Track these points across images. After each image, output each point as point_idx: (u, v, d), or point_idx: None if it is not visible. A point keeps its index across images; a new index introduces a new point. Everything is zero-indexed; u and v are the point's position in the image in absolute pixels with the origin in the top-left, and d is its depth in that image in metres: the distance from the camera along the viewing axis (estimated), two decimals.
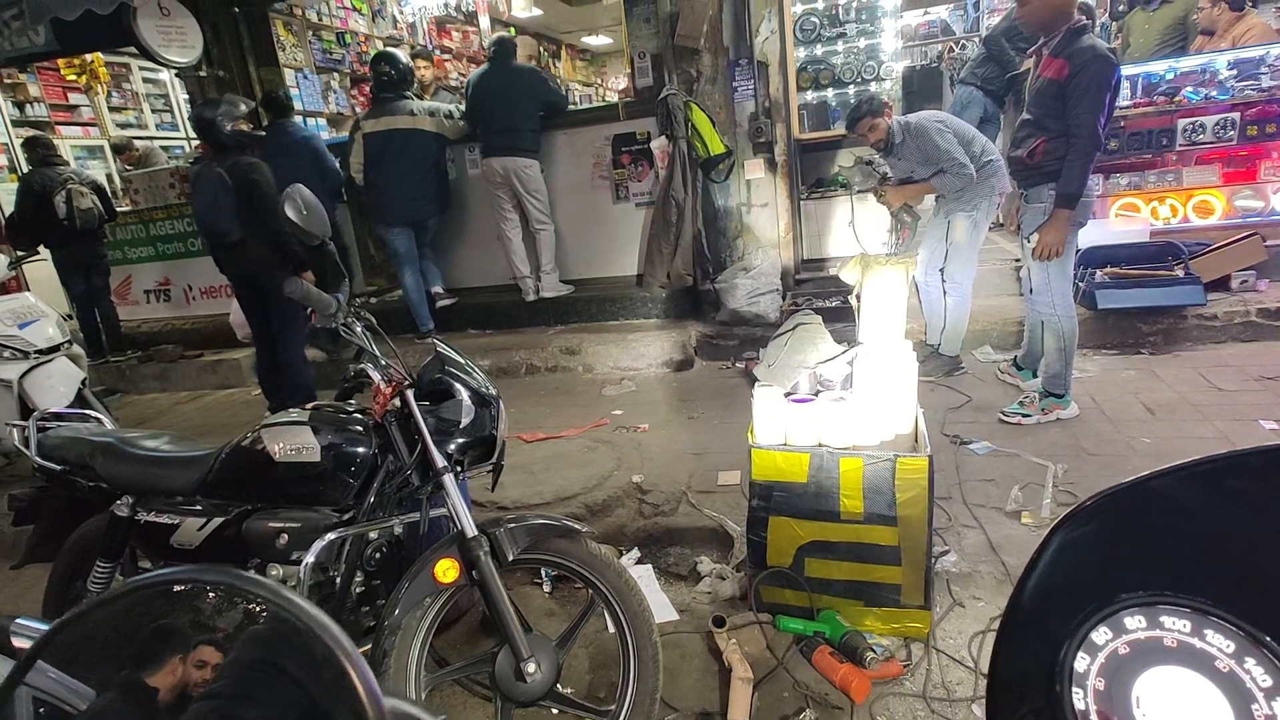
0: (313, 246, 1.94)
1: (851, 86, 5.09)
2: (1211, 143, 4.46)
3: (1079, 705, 0.47)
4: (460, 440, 1.90)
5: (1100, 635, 0.49)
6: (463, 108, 5.28)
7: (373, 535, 1.88)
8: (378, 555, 1.92)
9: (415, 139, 4.98)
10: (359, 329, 1.93)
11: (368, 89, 7.10)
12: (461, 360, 1.98)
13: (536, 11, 9.25)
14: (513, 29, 10.03)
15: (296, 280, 1.83)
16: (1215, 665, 0.46)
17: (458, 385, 1.91)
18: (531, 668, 1.71)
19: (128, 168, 7.32)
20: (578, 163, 5.38)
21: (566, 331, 5.35)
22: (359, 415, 1.95)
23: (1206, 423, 3.11)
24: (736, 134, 4.97)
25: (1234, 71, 4.42)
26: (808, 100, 5.17)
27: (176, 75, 7.76)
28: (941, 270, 3.84)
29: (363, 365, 1.90)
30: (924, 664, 2.08)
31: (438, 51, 8.94)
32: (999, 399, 3.58)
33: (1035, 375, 3.58)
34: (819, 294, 4.89)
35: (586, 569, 1.85)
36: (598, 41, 12.86)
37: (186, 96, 7.00)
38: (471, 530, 1.76)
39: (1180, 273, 4.07)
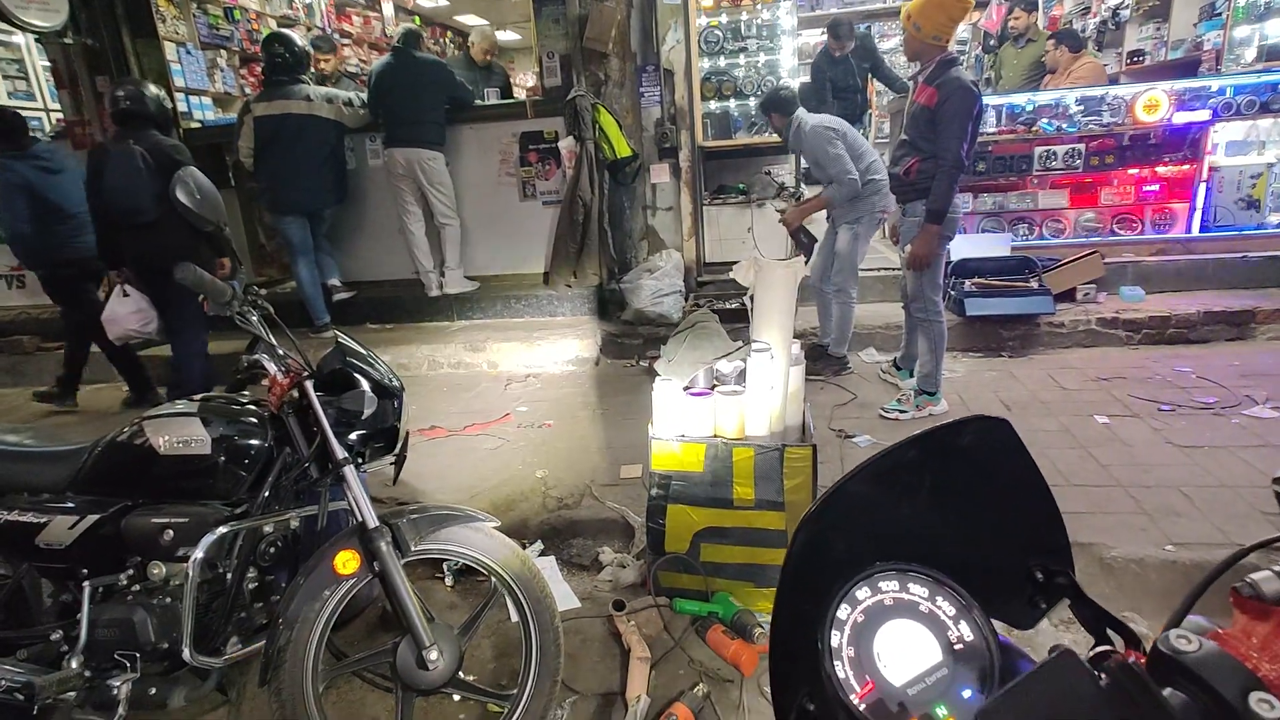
0: (204, 232, 1.88)
1: (752, 98, 5.33)
2: (1062, 169, 4.99)
3: (840, 675, 0.58)
4: (361, 431, 1.89)
5: (843, 611, 0.60)
6: (363, 95, 5.13)
7: (267, 529, 1.84)
8: (272, 550, 1.88)
9: (311, 125, 4.79)
10: (255, 318, 1.87)
11: (259, 70, 6.73)
12: (364, 351, 1.97)
13: (443, 1, 9.06)
14: (417, 18, 9.78)
15: (188, 265, 1.77)
16: (919, 609, 0.60)
17: (359, 376, 1.89)
18: (434, 655, 1.73)
19: None
20: (485, 158, 5.35)
21: (471, 328, 5.30)
22: (253, 407, 1.90)
23: (1052, 417, 3.50)
24: (643, 138, 5.10)
25: (1081, 107, 4.97)
26: (711, 110, 5.37)
27: (36, 41, 7.05)
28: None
29: (257, 355, 1.85)
30: None
31: (336, 36, 8.58)
32: (880, 397, 3.87)
33: (912, 375, 3.90)
34: (720, 296, 5.10)
35: (489, 558, 1.89)
36: (505, 36, 12.71)
37: (49, 64, 6.37)
38: (373, 521, 1.75)
39: (1035, 285, 4.54)
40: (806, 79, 6.01)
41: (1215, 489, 2.73)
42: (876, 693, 0.58)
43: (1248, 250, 4.78)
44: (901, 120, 3.75)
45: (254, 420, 1.85)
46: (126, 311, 3.91)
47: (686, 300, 5.08)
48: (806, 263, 4.53)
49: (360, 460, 1.89)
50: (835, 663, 0.59)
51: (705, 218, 5.34)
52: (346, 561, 1.72)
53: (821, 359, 4.25)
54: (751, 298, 2.30)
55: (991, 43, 7.33)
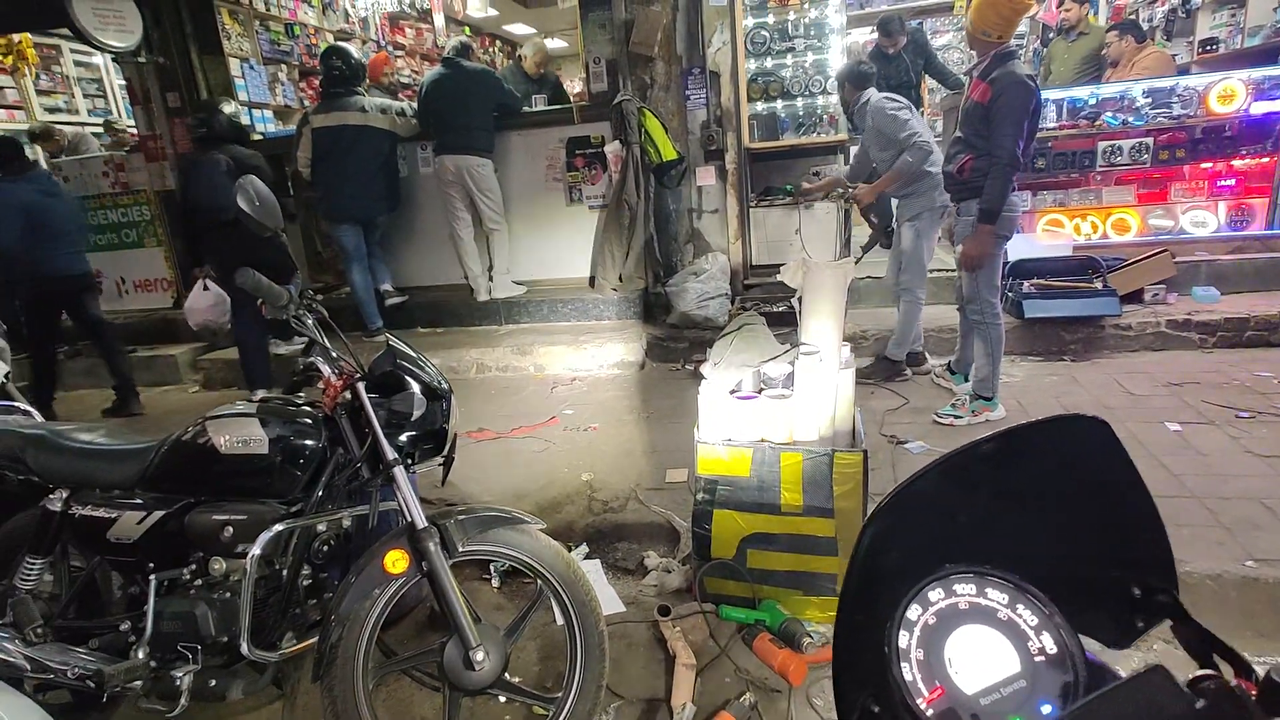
0: (264, 238, 1.94)
1: (800, 99, 5.26)
2: (1128, 165, 4.77)
3: (907, 677, 0.56)
4: (411, 433, 1.92)
5: (913, 612, 0.57)
6: (414, 106, 5.25)
7: (320, 528, 1.88)
8: (325, 548, 1.92)
9: (366, 135, 4.93)
10: (310, 321, 1.93)
11: (317, 82, 6.97)
12: (414, 354, 2.00)
13: (492, 12, 9.23)
14: (467, 29, 9.99)
15: (247, 270, 1.83)
16: (998, 616, 0.56)
17: (409, 378, 1.92)
18: (480, 656, 1.74)
19: (50, 155, 6.98)
20: (532, 164, 5.41)
21: (518, 332, 5.36)
22: (308, 408, 1.95)
23: (1119, 424, 3.28)
24: (689, 141, 5.08)
25: (1149, 99, 4.74)
26: (758, 111, 5.31)
27: (113, 60, 7.45)
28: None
29: (312, 359, 1.90)
30: None
31: (389, 48, 8.82)
32: (934, 402, 3.76)
33: (967, 379, 3.77)
34: (767, 299, 5.04)
35: (535, 560, 1.89)
36: (553, 44, 12.87)
37: (124, 82, 6.72)
38: (422, 522, 1.78)
39: (1099, 285, 4.34)
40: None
41: None
42: (946, 700, 0.55)
43: None
44: (956, 117, 3.64)
45: (309, 421, 1.90)
46: (205, 305, 4.58)
47: (732, 303, 5.03)
48: (878, 246, 4.48)
49: (410, 461, 1.92)
50: (903, 665, 0.56)
51: (752, 220, 5.28)
52: (396, 561, 1.75)
53: (877, 362, 4.19)
54: (800, 299, 2.26)
55: (1051, 35, 7.08)
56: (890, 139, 3.85)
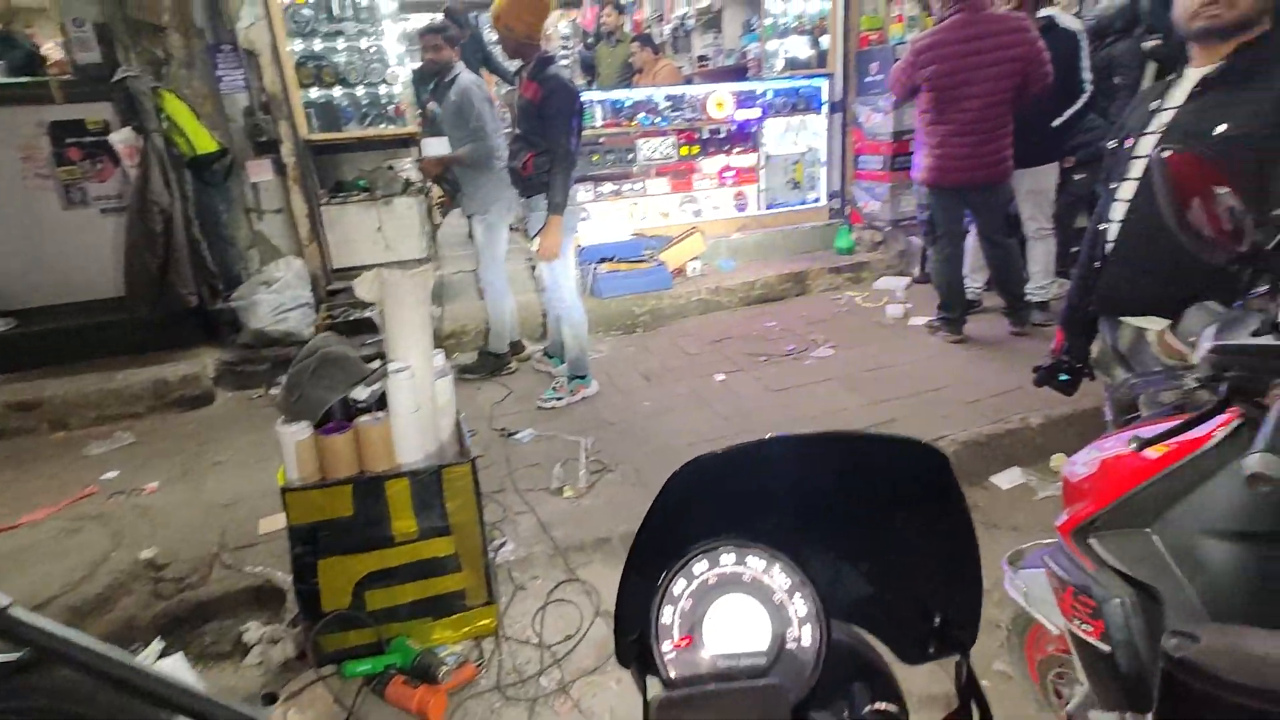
0: None
1: (360, 87, 4.92)
2: (662, 160, 5.63)
3: (665, 620, 0.57)
4: None
5: (678, 586, 0.58)
6: None
7: None
8: None
9: None
10: None
11: None
12: None
13: None
14: None
15: None
16: (754, 582, 0.59)
17: None
18: None
19: None
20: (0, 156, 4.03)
21: (13, 380, 4.00)
22: None
23: (682, 382, 3.96)
24: (230, 130, 4.35)
25: (669, 104, 5.64)
26: (312, 99, 4.80)
27: None
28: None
29: None
30: (495, 657, 2.18)
31: None
32: (537, 387, 3.94)
33: (564, 362, 4.05)
34: (357, 304, 4.65)
35: (59, 701, 1.40)
36: None
37: None
38: None
39: (655, 264, 5.07)
40: (418, 65, 5.77)
41: (800, 421, 3.36)
42: (692, 648, 0.57)
43: (798, 223, 5.99)
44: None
45: None
46: None
47: (317, 312, 4.53)
48: (455, 204, 4.46)
49: None
50: (665, 608, 0.57)
51: (326, 219, 4.80)
52: None
53: (482, 357, 4.24)
54: (381, 313, 2.10)
55: (590, 40, 7.94)
56: (466, 122, 3.84)
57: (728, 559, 0.58)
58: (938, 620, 0.62)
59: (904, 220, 5.58)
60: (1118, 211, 1.74)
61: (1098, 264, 1.80)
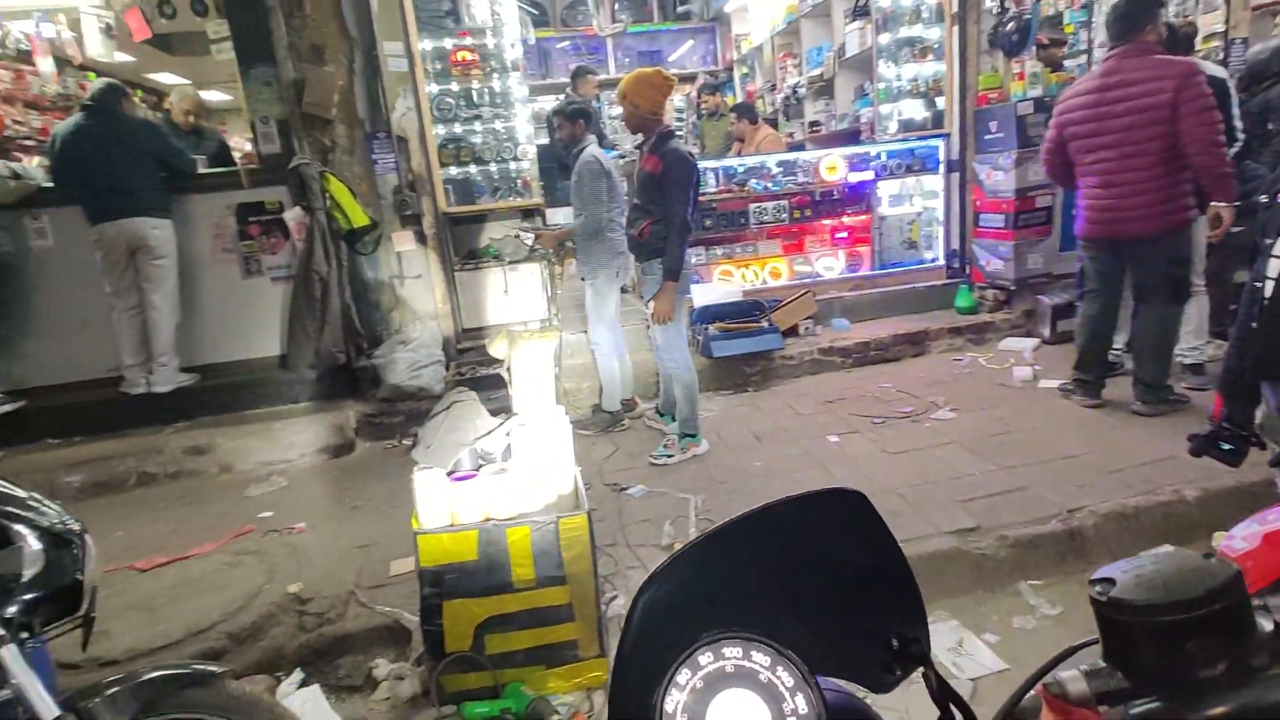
0: None
1: (494, 164, 5.38)
2: (773, 222, 5.71)
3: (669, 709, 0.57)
4: (26, 597, 1.48)
5: (683, 676, 0.59)
6: (18, 165, 4.26)
7: None
8: None
9: None
10: None
11: None
12: (20, 494, 1.55)
13: (124, 56, 7.92)
14: (92, 74, 8.45)
15: None
16: (759, 679, 0.59)
17: (17, 528, 1.48)
18: None
19: None
20: (195, 234, 4.71)
21: (192, 428, 4.55)
22: None
23: (795, 442, 3.91)
24: (381, 206, 4.86)
25: (781, 169, 5.76)
26: (451, 175, 5.29)
27: None
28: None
29: None
30: (605, 710, 2.19)
31: None
32: (648, 444, 4.02)
33: (674, 419, 4.11)
34: (482, 361, 4.97)
35: (226, 715, 1.57)
36: (212, 96, 11.47)
37: None
38: (51, 711, 1.36)
39: (766, 324, 5.09)
40: (544, 141, 6.23)
41: (921, 486, 3.22)
42: None
43: (914, 282, 5.85)
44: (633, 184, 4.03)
45: None
46: None
47: (447, 369, 4.88)
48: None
49: (25, 634, 1.47)
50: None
51: (459, 283, 5.21)
52: None
53: (596, 414, 4.38)
54: (509, 369, 2.26)
55: (703, 110, 8.30)
56: (582, 195, 4.11)
57: (732, 652, 0.61)
58: (895, 643, 0.66)
59: (1032, 278, 5.33)
60: (1274, 268, 1.62)
61: (1254, 324, 1.67)
